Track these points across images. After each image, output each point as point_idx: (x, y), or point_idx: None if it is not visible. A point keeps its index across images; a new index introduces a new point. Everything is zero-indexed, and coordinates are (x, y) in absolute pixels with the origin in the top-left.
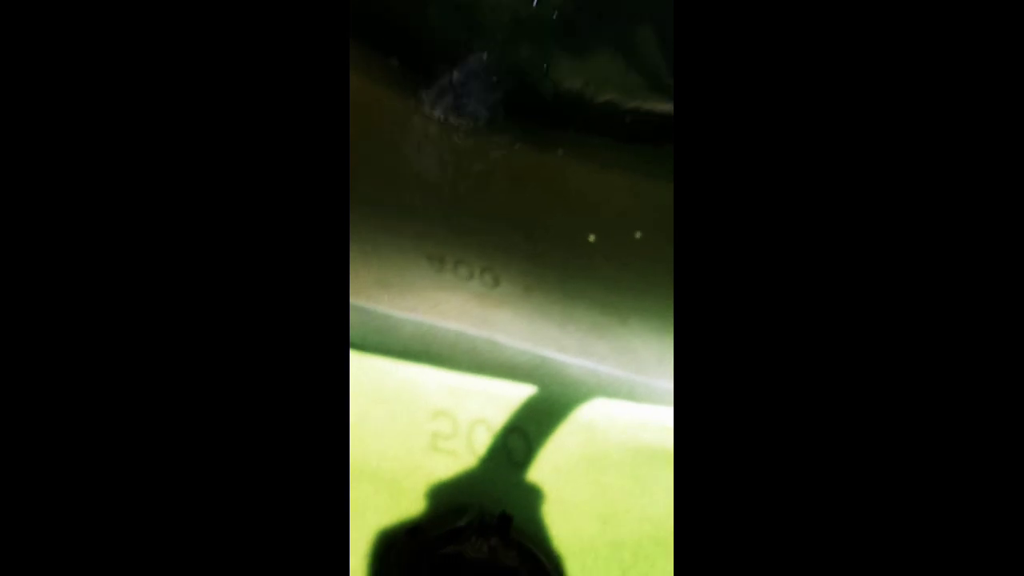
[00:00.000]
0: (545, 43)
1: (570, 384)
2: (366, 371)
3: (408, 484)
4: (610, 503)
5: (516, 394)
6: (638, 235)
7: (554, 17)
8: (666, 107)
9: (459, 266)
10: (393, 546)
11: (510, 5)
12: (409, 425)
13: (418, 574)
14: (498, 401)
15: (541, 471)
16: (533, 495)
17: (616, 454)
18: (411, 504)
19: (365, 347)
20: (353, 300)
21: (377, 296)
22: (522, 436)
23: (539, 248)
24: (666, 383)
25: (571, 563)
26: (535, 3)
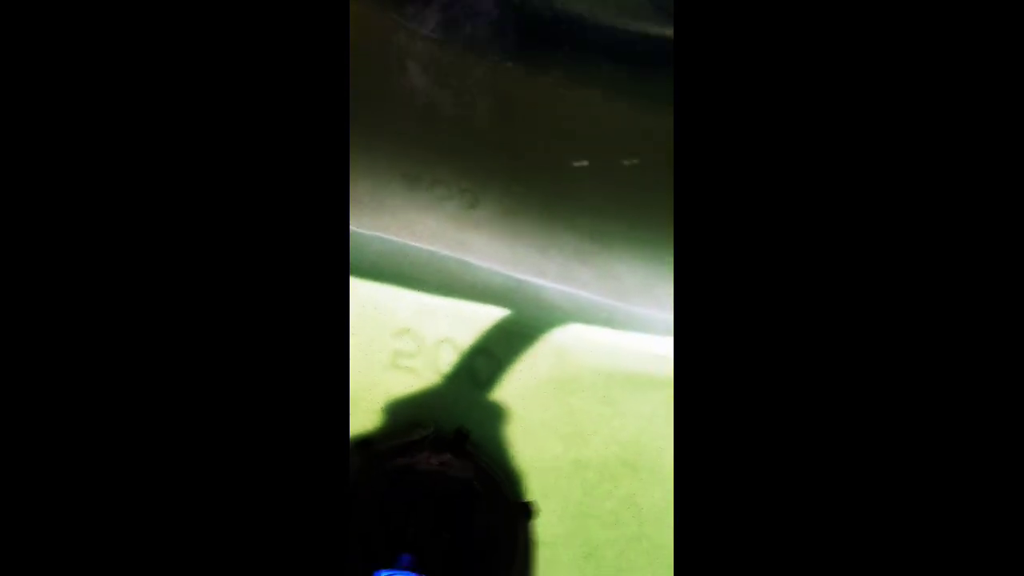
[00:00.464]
0: None
1: (546, 308)
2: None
3: (364, 400)
4: (577, 424)
5: (487, 316)
6: (630, 162)
7: None
8: (666, 31)
9: (436, 186)
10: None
11: None
12: (370, 341)
13: (368, 487)
14: (468, 322)
15: (507, 392)
16: (496, 414)
17: (587, 378)
18: (366, 419)
19: None
20: None
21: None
22: (489, 357)
23: (523, 171)
24: (647, 310)
25: (532, 480)
26: None
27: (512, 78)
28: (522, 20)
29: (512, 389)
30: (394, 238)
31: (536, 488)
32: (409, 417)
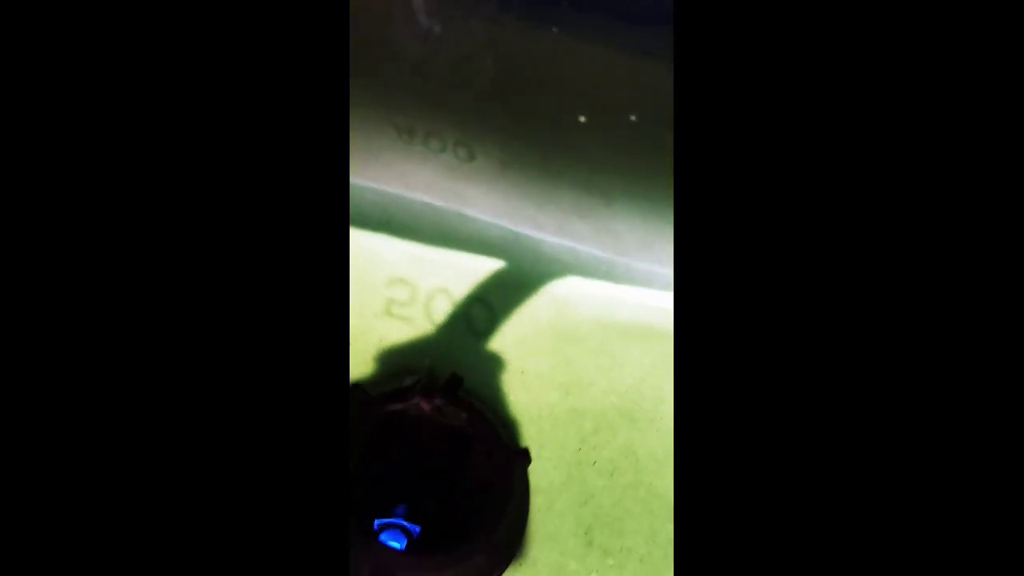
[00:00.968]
0: None
1: (543, 260)
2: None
3: (357, 346)
4: (575, 374)
5: (483, 267)
6: (632, 118)
7: None
8: None
9: (430, 138)
10: None
11: None
12: (362, 289)
13: (359, 433)
14: (463, 272)
15: (503, 341)
16: (492, 363)
17: (586, 328)
18: (358, 367)
19: None
20: None
21: None
22: (486, 307)
23: (521, 125)
24: (648, 266)
25: (528, 428)
26: None
27: (510, 32)
28: None
29: (509, 339)
30: (387, 188)
31: (532, 436)
32: (403, 365)
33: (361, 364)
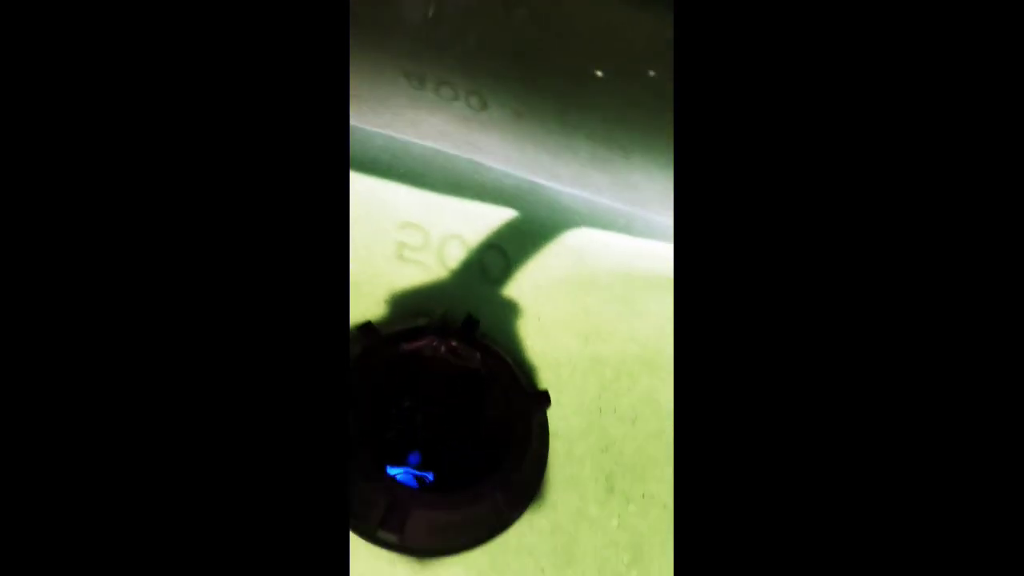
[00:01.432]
0: None
1: (560, 211)
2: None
3: (367, 289)
4: (594, 323)
5: (497, 215)
6: (651, 73)
7: None
8: None
9: (442, 87)
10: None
11: None
12: (372, 233)
13: (370, 372)
14: (476, 219)
15: (519, 288)
16: (508, 309)
17: (605, 278)
18: (369, 308)
19: None
20: None
21: None
22: (501, 254)
23: (536, 77)
24: (667, 219)
25: (546, 374)
26: None
27: None
28: None
29: (525, 286)
30: (397, 135)
31: (550, 382)
32: (415, 308)
33: (372, 306)
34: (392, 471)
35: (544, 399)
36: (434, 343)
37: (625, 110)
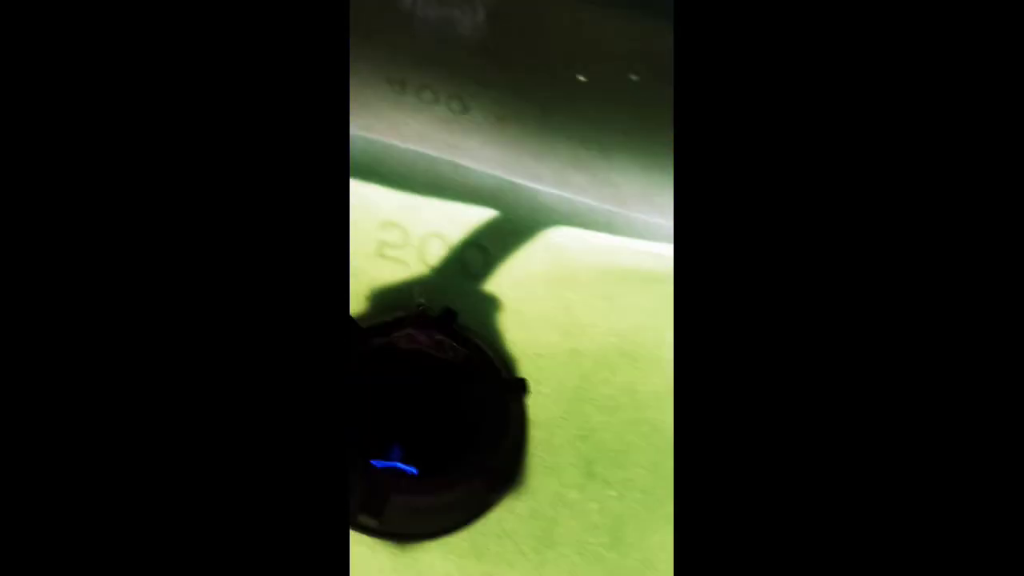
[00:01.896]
0: None
1: (541, 210)
2: None
3: (349, 287)
4: (574, 316)
5: (478, 215)
6: (633, 77)
7: None
8: None
9: (423, 91)
10: None
11: None
12: (352, 232)
13: (350, 365)
14: (457, 218)
15: (499, 284)
16: (488, 303)
17: (584, 274)
18: (352, 305)
19: None
20: None
21: None
22: (481, 251)
23: (518, 82)
24: (648, 217)
25: (525, 365)
26: None
27: None
28: None
29: (505, 282)
30: (378, 137)
31: (530, 373)
32: (396, 303)
33: (352, 303)
34: (377, 466)
35: (521, 386)
36: (411, 334)
37: (607, 112)
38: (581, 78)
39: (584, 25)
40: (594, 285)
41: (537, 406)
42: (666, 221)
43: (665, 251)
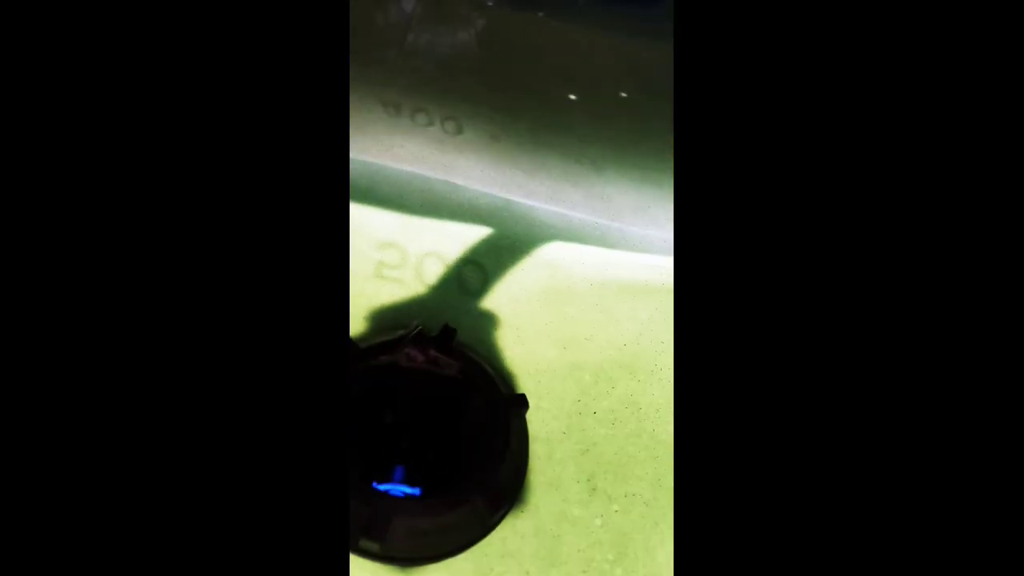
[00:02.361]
0: None
1: (536, 226)
2: None
3: (349, 308)
4: (571, 330)
5: (474, 234)
6: (623, 94)
7: None
8: None
9: (417, 114)
10: None
11: None
12: (351, 253)
13: (351, 385)
14: (453, 237)
15: (497, 300)
16: (486, 320)
17: (581, 287)
18: (351, 326)
19: None
20: None
21: None
22: (478, 268)
23: (510, 102)
24: (642, 230)
25: (525, 381)
26: None
27: (495, 15)
28: None
29: (503, 298)
30: (373, 160)
31: (530, 388)
32: (395, 323)
33: (352, 323)
34: (380, 488)
35: (521, 402)
36: (411, 353)
37: (597, 129)
38: (572, 96)
39: (575, 45)
40: (591, 298)
41: (538, 422)
42: (660, 232)
43: (661, 262)
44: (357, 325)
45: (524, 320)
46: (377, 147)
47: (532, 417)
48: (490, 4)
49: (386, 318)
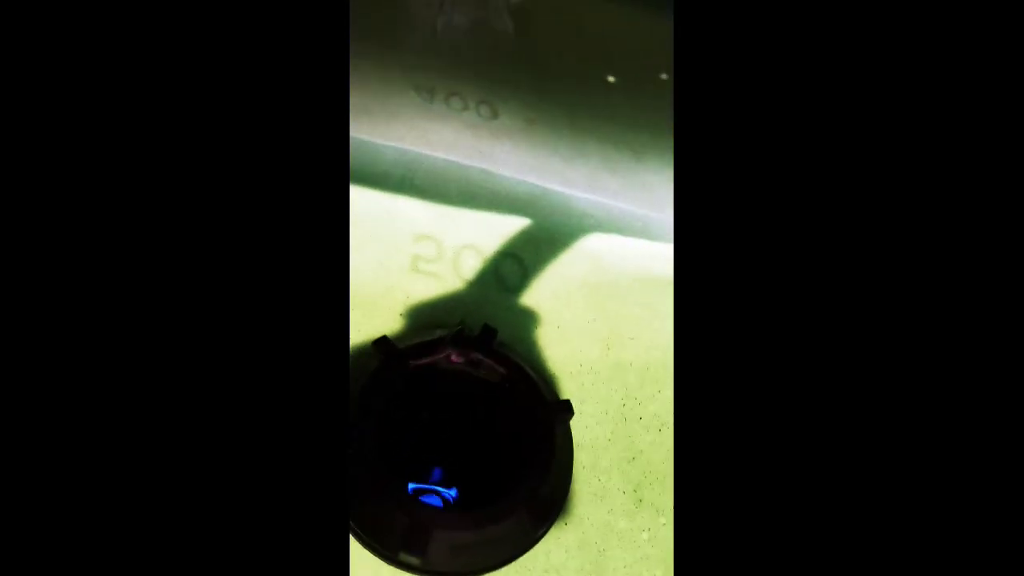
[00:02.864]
0: None
1: (575, 216)
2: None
3: (384, 303)
4: (616, 329)
5: (511, 224)
6: (663, 76)
7: None
8: None
9: (452, 98)
10: (359, 359)
11: None
12: (386, 247)
13: (386, 387)
14: (490, 228)
15: (537, 296)
16: (526, 317)
17: (624, 283)
18: (386, 323)
19: None
20: None
21: (355, 122)
22: (517, 262)
23: (546, 85)
24: None
25: (567, 383)
26: None
27: None
28: None
29: (543, 294)
30: (408, 147)
31: (573, 391)
32: (432, 320)
33: (388, 321)
34: (414, 487)
35: (566, 409)
36: (451, 355)
37: (636, 113)
38: (611, 79)
39: (612, 26)
40: (634, 294)
41: (582, 427)
42: None
43: None
44: (394, 323)
45: (565, 317)
46: (411, 134)
47: (575, 422)
48: None
49: (423, 315)
